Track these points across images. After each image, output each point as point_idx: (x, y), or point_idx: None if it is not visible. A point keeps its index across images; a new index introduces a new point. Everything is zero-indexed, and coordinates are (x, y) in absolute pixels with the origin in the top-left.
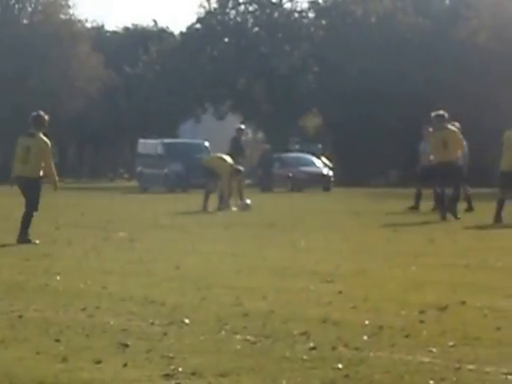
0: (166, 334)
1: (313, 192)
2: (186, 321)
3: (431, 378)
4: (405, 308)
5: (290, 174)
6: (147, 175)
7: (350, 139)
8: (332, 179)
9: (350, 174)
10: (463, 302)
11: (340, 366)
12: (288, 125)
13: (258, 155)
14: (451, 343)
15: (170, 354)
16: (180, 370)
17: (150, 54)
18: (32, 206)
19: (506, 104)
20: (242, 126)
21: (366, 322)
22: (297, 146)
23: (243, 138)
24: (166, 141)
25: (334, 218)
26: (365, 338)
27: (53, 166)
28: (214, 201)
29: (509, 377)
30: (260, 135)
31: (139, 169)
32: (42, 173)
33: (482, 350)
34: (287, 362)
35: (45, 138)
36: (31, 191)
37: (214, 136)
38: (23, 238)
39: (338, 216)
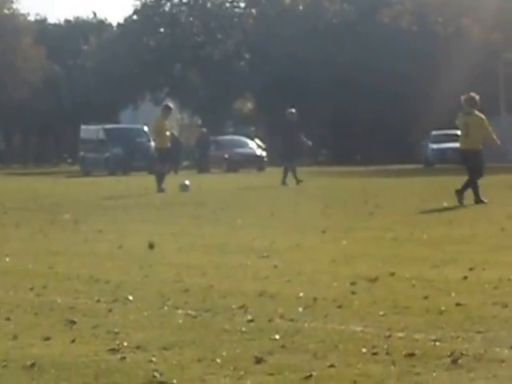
0: (111, 310)
1: (248, 172)
2: (130, 297)
3: (363, 347)
4: (337, 280)
5: (226, 156)
6: (89, 159)
7: (281, 121)
8: (265, 159)
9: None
10: (392, 274)
11: (277, 336)
12: (223, 109)
13: (195, 138)
14: (382, 313)
15: (116, 330)
16: (125, 344)
17: (90, 45)
18: None
19: (428, 83)
20: (293, 110)
21: (301, 295)
22: (231, 129)
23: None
24: (107, 126)
25: (269, 197)
26: (300, 309)
27: None
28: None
29: (437, 343)
30: (197, 119)
31: (81, 153)
32: None
33: (411, 318)
34: (226, 334)
35: None
36: None
37: (151, 121)
38: None
39: (272, 194)
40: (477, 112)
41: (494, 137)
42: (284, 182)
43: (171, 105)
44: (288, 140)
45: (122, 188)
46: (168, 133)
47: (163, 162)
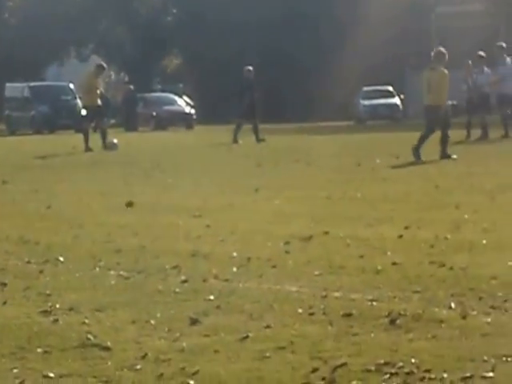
0: (41, 271)
1: (176, 130)
2: (61, 258)
3: (300, 307)
4: (270, 239)
5: (154, 113)
6: (14, 118)
7: (209, 79)
8: (194, 117)
9: (210, 112)
10: (326, 233)
11: (211, 297)
12: (150, 66)
13: (121, 96)
14: (317, 272)
15: (47, 291)
16: (57, 306)
17: (14, 1)
18: None
19: (358, 38)
20: (250, 68)
21: (235, 254)
22: (159, 86)
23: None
24: (32, 84)
25: (199, 155)
26: (234, 269)
27: None
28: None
29: (374, 303)
30: (123, 76)
31: (6, 112)
32: None
33: (347, 278)
34: (160, 295)
35: None
36: None
37: (77, 77)
38: None
39: (202, 153)
40: (442, 68)
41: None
42: (236, 140)
43: (105, 65)
44: (246, 98)
45: (48, 147)
46: (98, 91)
47: (91, 120)
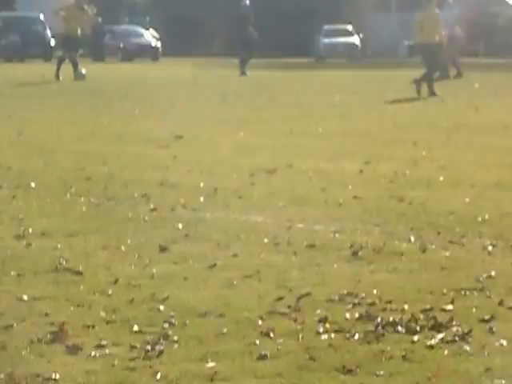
0: (14, 197)
1: (142, 62)
2: (33, 184)
3: (265, 237)
4: (236, 171)
5: (121, 45)
6: None
7: (175, 12)
8: (160, 50)
9: (176, 45)
10: (290, 165)
11: (180, 226)
12: None
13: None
14: (281, 204)
15: (20, 216)
16: (30, 231)
17: None
18: None
19: None
20: (247, 2)
21: (202, 185)
22: (126, 19)
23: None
24: (3, 14)
25: (165, 87)
26: (201, 199)
27: None
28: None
29: (337, 235)
30: (92, 9)
31: None
32: None
33: (310, 210)
34: (130, 222)
35: None
36: None
37: (49, 8)
38: None
39: (168, 85)
40: (433, 8)
41: (443, 33)
42: (243, 72)
43: None
44: (244, 31)
45: (18, 75)
46: (78, 21)
47: (68, 49)
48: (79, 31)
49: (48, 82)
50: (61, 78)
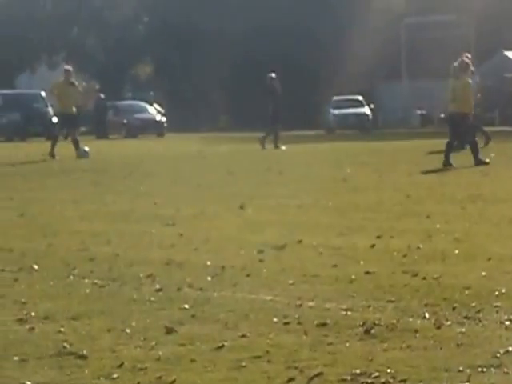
0: (16, 280)
1: (147, 138)
2: (35, 267)
3: (274, 316)
4: (244, 248)
5: (125, 121)
6: None
7: (181, 87)
8: (165, 125)
9: (182, 120)
10: (299, 241)
11: (186, 306)
12: (121, 74)
13: (92, 104)
14: (291, 281)
15: (23, 300)
16: (33, 314)
17: None
18: None
19: (329, 47)
20: (273, 75)
21: (208, 263)
22: (130, 94)
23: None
24: (3, 91)
25: (170, 164)
26: (208, 278)
27: None
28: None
29: (349, 313)
30: (94, 84)
31: None
32: None
33: (321, 287)
34: (135, 303)
35: None
36: None
37: (48, 85)
38: None
39: (173, 161)
40: (466, 77)
41: (472, 105)
42: (277, 146)
43: (68, 67)
44: (271, 104)
45: (20, 154)
46: (71, 98)
47: (61, 127)
48: (74, 108)
49: (50, 160)
50: (57, 157)
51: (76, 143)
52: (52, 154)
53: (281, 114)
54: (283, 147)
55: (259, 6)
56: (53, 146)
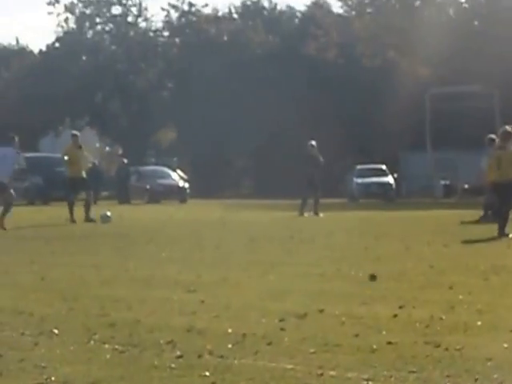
0: (36, 344)
1: (170, 204)
2: (56, 331)
3: None
4: (265, 316)
5: (148, 187)
6: None
7: (204, 152)
8: (188, 191)
9: (205, 186)
10: (321, 310)
11: (207, 373)
12: (144, 139)
13: (115, 168)
14: (312, 350)
15: (42, 364)
16: (53, 379)
17: (11, 71)
18: None
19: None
20: (313, 143)
21: (230, 330)
22: (153, 160)
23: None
24: (27, 155)
25: (193, 229)
26: (229, 345)
27: None
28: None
29: (370, 383)
30: (117, 149)
31: None
32: None
33: (342, 356)
34: (156, 370)
35: None
36: None
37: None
38: None
39: (196, 227)
40: (510, 147)
41: None
42: (302, 213)
43: (76, 132)
44: (309, 172)
45: (42, 218)
46: (81, 162)
47: (75, 191)
48: (83, 172)
49: (72, 224)
50: (76, 221)
51: (87, 207)
52: (72, 220)
53: (319, 183)
54: (321, 214)
55: (286, 74)
56: (71, 211)
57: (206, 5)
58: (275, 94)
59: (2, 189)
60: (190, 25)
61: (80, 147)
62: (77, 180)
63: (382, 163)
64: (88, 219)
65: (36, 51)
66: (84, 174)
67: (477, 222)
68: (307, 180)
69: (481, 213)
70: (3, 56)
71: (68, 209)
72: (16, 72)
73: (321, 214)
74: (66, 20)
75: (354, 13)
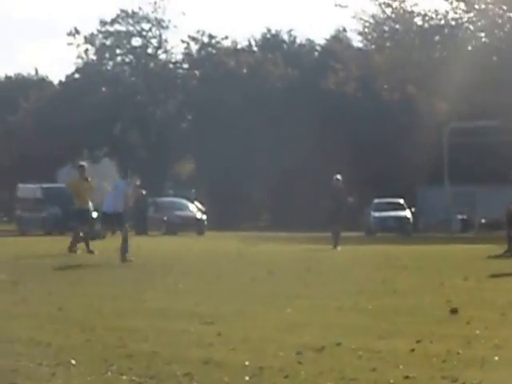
0: (54, 374)
1: (187, 235)
2: (73, 362)
3: None
4: (283, 349)
5: (165, 218)
6: (26, 219)
7: (222, 184)
8: (205, 223)
9: (222, 218)
10: (338, 344)
11: None
12: (163, 170)
13: (132, 199)
14: None
15: None
16: None
17: (30, 102)
18: None
19: (373, 150)
20: (339, 177)
21: (247, 363)
22: (171, 191)
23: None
24: (45, 185)
25: (210, 261)
26: (246, 378)
27: None
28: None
29: None
30: (135, 180)
31: (18, 212)
32: None
33: None
34: None
35: None
36: None
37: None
38: None
39: (213, 259)
40: None
41: None
42: (335, 246)
43: (83, 163)
44: (335, 205)
45: (59, 248)
46: (87, 193)
47: (83, 223)
48: (90, 204)
49: (88, 255)
50: (95, 252)
51: (87, 239)
52: (89, 251)
53: (342, 215)
54: (339, 248)
55: (305, 107)
56: (86, 243)
57: (226, 37)
58: (294, 127)
59: (120, 220)
60: (209, 57)
61: (86, 179)
62: (82, 211)
63: (400, 197)
64: (90, 252)
65: (55, 82)
66: (90, 206)
67: (500, 256)
68: (331, 213)
69: (503, 247)
70: (22, 86)
71: (83, 241)
72: (35, 102)
73: (338, 248)
74: (86, 51)
75: (373, 46)
